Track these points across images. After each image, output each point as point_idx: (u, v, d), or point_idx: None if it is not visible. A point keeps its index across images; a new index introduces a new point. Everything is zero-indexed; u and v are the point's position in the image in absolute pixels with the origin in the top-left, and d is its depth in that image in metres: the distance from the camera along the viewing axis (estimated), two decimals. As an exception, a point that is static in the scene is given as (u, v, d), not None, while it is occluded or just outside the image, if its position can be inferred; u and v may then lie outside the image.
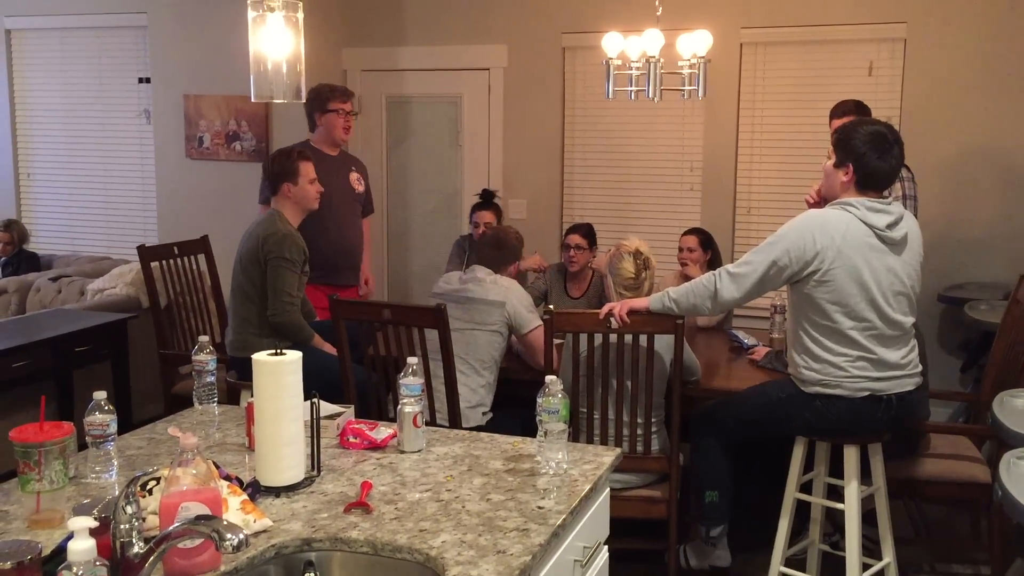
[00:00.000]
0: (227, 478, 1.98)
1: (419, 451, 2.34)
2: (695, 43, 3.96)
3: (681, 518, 3.50)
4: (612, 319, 3.26)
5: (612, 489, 2.45)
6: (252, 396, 2.15)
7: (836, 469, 3.23)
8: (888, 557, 3.24)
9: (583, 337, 3.37)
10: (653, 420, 3.40)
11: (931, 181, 4.91)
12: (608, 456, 2.29)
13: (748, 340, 4.17)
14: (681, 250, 4.59)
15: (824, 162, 3.15)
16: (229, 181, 6.15)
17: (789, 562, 3.31)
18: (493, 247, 3.91)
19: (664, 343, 3.38)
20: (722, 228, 5.46)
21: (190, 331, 4.74)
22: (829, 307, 2.98)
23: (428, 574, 1.76)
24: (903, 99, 5.23)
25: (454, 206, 6.21)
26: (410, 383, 2.37)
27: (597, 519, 2.20)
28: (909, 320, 3.06)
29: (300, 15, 2.22)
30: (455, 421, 3.44)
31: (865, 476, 3.19)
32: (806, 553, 3.47)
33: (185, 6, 6.17)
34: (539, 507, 1.99)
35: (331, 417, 2.47)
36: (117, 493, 1.64)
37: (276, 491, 2.05)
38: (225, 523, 1.48)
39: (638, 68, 3.95)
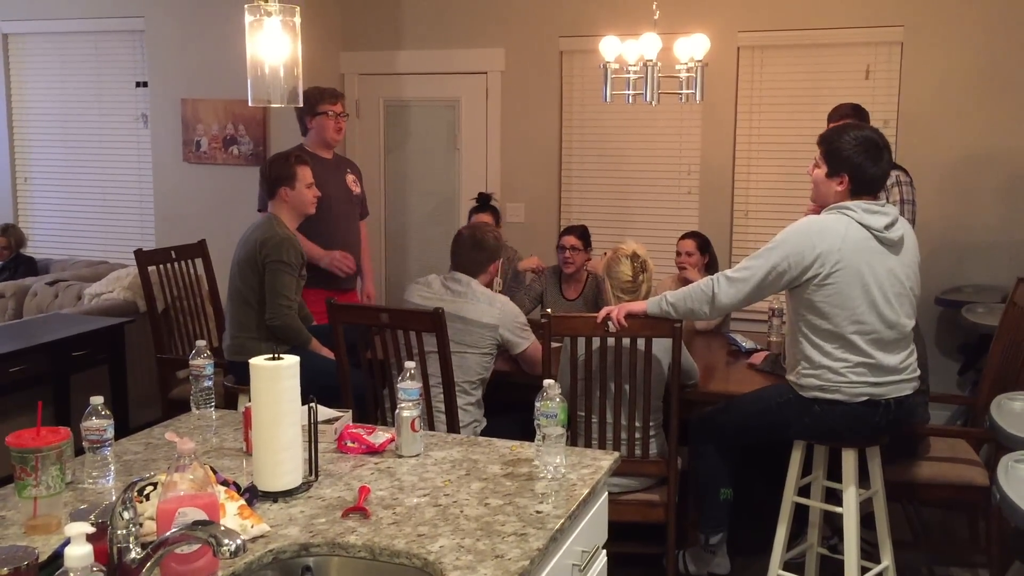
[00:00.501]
0: (224, 483, 1.97)
1: (417, 455, 2.33)
2: (692, 47, 3.96)
3: (680, 522, 3.49)
4: (610, 323, 3.26)
5: (610, 493, 2.45)
6: (250, 400, 2.14)
7: (834, 473, 3.23)
8: (886, 561, 3.24)
9: (581, 341, 3.37)
10: (651, 424, 3.40)
11: (928, 184, 4.91)
12: (606, 460, 2.29)
13: (746, 343, 4.17)
14: (679, 254, 4.60)
15: (811, 170, 3.13)
16: (227, 185, 6.15)
17: (788, 566, 3.30)
18: (472, 249, 3.72)
19: (662, 347, 3.37)
20: (720, 232, 5.46)
21: (187, 335, 4.73)
22: (829, 311, 2.98)
23: (426, 579, 1.76)
24: (900, 102, 5.24)
25: (452, 210, 6.21)
26: (408, 387, 2.37)
27: (595, 523, 2.20)
28: (910, 323, 3.06)
29: (297, 19, 2.22)
30: (453, 425, 3.44)
31: (863, 479, 3.19)
32: (805, 557, 3.46)
33: (182, 10, 6.17)
34: (537, 511, 1.98)
35: (329, 421, 2.46)
36: (114, 498, 1.64)
37: (274, 496, 2.05)
38: (222, 528, 1.48)
39: (635, 72, 3.96)
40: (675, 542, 3.44)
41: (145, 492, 1.80)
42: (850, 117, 4.04)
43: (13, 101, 6.90)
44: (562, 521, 1.94)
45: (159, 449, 2.37)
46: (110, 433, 2.13)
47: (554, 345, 3.48)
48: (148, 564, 1.51)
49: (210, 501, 1.68)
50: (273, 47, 2.20)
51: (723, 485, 3.38)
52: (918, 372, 3.13)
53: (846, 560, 3.12)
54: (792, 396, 3.12)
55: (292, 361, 2.08)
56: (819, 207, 3.17)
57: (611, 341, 3.31)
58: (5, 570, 1.44)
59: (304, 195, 3.95)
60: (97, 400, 2.13)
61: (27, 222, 6.96)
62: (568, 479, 2.16)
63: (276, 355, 2.09)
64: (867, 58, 5.31)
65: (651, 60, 3.89)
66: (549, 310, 3.48)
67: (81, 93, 6.73)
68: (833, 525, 3.61)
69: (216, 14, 5.96)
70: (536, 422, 2.25)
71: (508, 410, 3.57)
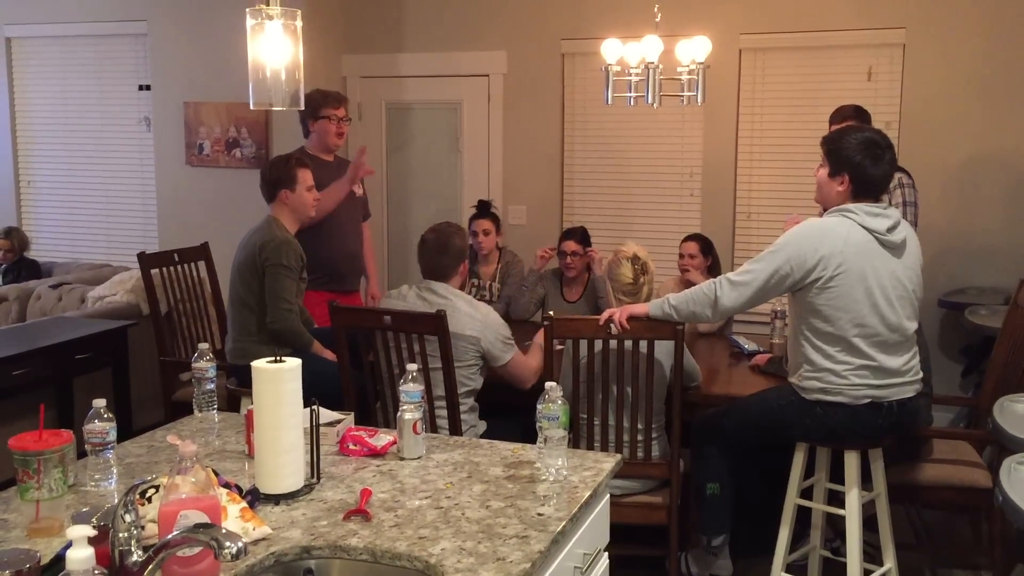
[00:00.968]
0: (226, 486, 1.97)
1: (419, 458, 2.33)
2: (694, 49, 3.97)
3: (682, 524, 3.49)
4: (612, 325, 3.26)
5: (612, 495, 2.45)
6: (252, 403, 2.15)
7: (837, 475, 3.22)
8: (889, 563, 3.24)
9: (583, 343, 3.37)
10: (653, 426, 3.40)
11: (931, 186, 4.91)
12: (608, 462, 2.29)
13: (749, 346, 4.17)
14: (682, 256, 4.60)
15: (816, 170, 3.14)
16: (229, 188, 6.16)
17: (790, 568, 3.30)
18: (438, 253, 3.57)
19: (664, 349, 3.37)
20: (722, 234, 5.46)
21: (190, 338, 4.73)
22: (832, 314, 2.98)
23: (428, 582, 1.76)
24: (902, 104, 5.24)
25: (454, 212, 6.19)
26: (410, 390, 2.37)
27: (597, 525, 2.20)
28: (912, 325, 3.06)
29: (299, 23, 2.23)
30: (455, 428, 3.43)
31: (866, 481, 3.18)
32: (807, 559, 3.46)
33: (185, 14, 6.18)
34: (539, 514, 1.98)
35: (331, 424, 2.47)
36: (116, 501, 1.64)
37: (275, 499, 2.05)
38: (224, 531, 1.48)
39: (637, 74, 3.96)
40: (677, 544, 3.43)
41: (147, 495, 1.81)
42: (852, 119, 4.03)
43: (16, 105, 6.92)
44: (564, 523, 1.94)
45: (161, 452, 2.37)
46: (112, 436, 2.14)
47: (557, 347, 3.48)
48: (150, 567, 1.52)
49: (212, 504, 1.68)
50: (275, 50, 2.20)
51: (723, 486, 3.37)
52: (921, 375, 3.13)
53: (849, 562, 3.11)
54: (794, 398, 3.12)
55: (294, 364, 2.08)
56: (823, 208, 3.18)
57: (613, 343, 3.31)
58: (7, 573, 1.44)
59: (304, 198, 3.95)
60: (100, 403, 2.14)
61: (31, 225, 6.98)
62: (570, 481, 2.16)
63: (278, 358, 2.10)
64: (869, 60, 5.31)
65: (653, 62, 3.89)
66: (551, 312, 3.48)
67: (84, 96, 6.75)
68: (836, 527, 3.60)
69: (218, 17, 5.97)
70: (538, 424, 2.25)
71: (510, 413, 3.57)
